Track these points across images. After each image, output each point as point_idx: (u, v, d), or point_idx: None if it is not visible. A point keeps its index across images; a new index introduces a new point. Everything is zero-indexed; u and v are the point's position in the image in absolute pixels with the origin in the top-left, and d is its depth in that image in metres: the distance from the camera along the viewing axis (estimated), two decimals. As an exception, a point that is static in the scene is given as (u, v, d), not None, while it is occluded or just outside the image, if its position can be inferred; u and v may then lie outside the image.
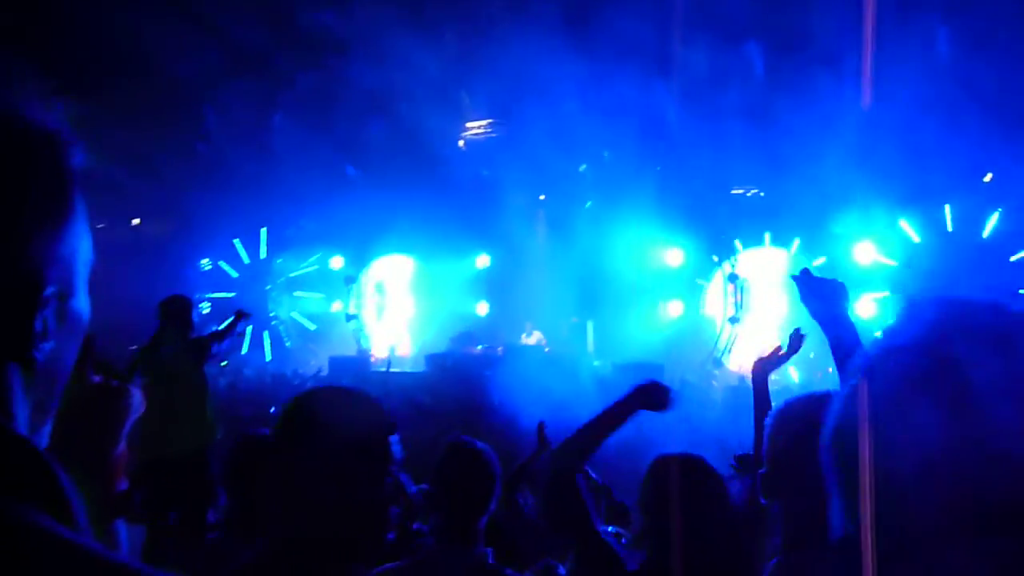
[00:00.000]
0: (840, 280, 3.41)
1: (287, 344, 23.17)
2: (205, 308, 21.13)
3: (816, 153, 15.63)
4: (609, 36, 16.84)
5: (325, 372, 18.47)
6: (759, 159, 17.41)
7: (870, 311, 18.28)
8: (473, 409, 13.20)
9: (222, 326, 9.04)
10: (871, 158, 15.60)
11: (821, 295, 3.26)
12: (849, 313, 3.24)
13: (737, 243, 20.51)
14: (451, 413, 13.83)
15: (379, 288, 24.02)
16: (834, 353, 3.14)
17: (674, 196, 19.19)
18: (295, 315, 23.78)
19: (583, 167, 20.64)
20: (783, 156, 16.47)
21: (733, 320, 19.82)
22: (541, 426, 6.53)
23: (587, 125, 17.48)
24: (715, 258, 20.60)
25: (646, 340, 19.64)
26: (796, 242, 19.86)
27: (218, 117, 20.95)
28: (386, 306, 24.24)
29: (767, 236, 20.36)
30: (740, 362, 20.19)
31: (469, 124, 22.09)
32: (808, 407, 2.60)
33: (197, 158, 20.92)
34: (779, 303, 20.50)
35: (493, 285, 22.28)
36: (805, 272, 3.38)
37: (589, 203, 20.92)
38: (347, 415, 2.14)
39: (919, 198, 17.84)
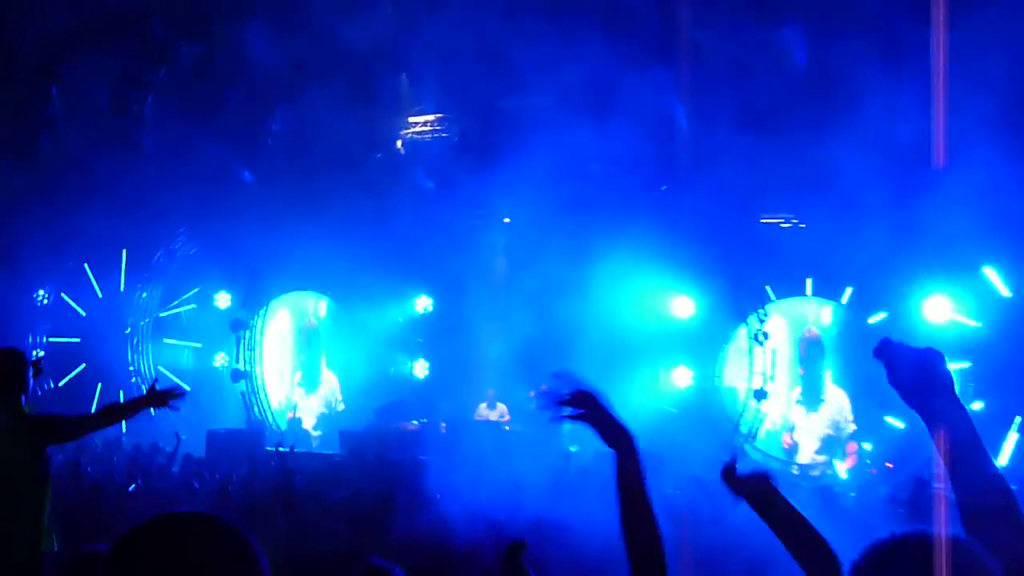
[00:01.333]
0: (935, 348, 3.15)
1: (151, 410, 22.58)
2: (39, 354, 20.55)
3: (875, 172, 15.65)
4: (603, 6, 16.88)
5: (197, 453, 18.06)
6: (800, 178, 17.43)
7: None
8: (402, 509, 12.87)
9: (123, 403, 8.52)
10: (949, 182, 15.64)
11: (918, 375, 3.06)
12: (958, 395, 3.01)
13: (768, 290, 20.52)
14: (371, 514, 13.47)
15: (307, 334, 23.74)
16: (946, 459, 2.92)
17: (685, 225, 19.15)
18: (163, 369, 23.32)
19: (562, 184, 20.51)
20: (832, 175, 16.49)
21: (760, 394, 19.67)
22: (514, 549, 6.02)
23: (570, 126, 17.41)
24: (739, 308, 20.53)
25: (642, 420, 19.32)
26: (848, 292, 19.91)
27: (68, 101, 20.61)
28: (291, 361, 23.95)
29: (808, 282, 20.38)
30: (806, 457, 20.03)
31: (411, 119, 21.96)
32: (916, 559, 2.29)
33: (38, 155, 20.55)
34: (821, 373, 20.49)
35: (436, 337, 22.06)
36: (888, 343, 3.20)
37: (569, 230, 20.77)
38: (200, 560, 2.14)
39: (1008, 240, 17.89)
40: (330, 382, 23.60)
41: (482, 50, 17.77)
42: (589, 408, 3.52)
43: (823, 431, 20.03)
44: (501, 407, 19.59)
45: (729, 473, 3.98)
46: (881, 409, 17.93)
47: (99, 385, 22.32)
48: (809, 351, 20.77)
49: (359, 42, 18.44)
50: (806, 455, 19.98)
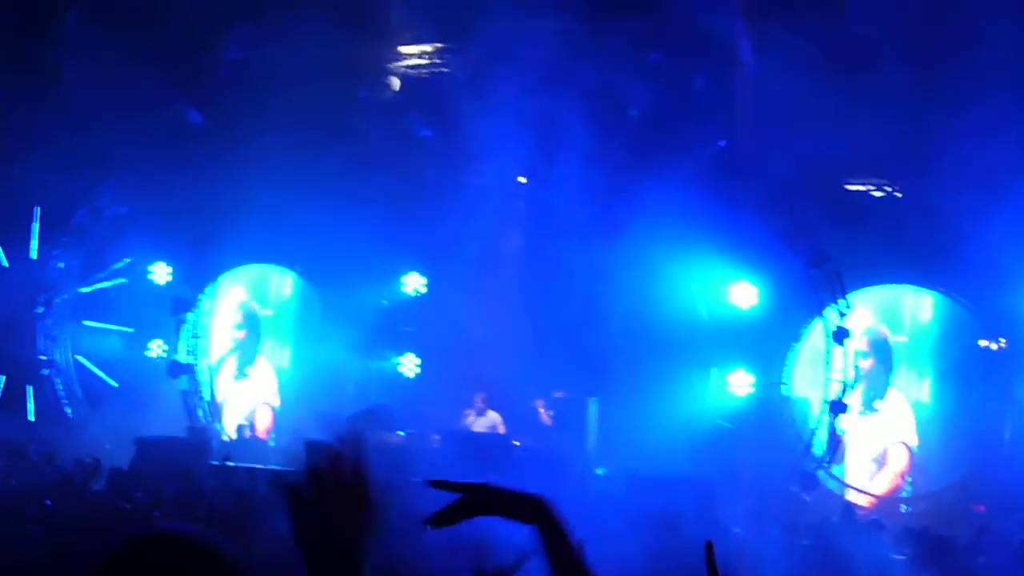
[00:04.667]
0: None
1: (67, 411, 22.46)
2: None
3: (999, 123, 15.41)
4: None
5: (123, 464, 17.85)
6: (898, 133, 17.21)
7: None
8: (386, 544, 12.57)
9: None
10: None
11: None
12: None
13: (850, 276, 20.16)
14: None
15: (249, 318, 23.57)
16: None
17: (747, 191, 18.98)
18: (83, 360, 23.24)
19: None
20: (939, 130, 16.29)
21: (837, 407, 19.42)
22: None
23: (604, 58, 17.29)
24: (813, 298, 20.21)
25: (687, 436, 19.18)
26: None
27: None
28: (248, 350, 23.77)
29: (902, 267, 20.08)
30: (852, 477, 20.00)
31: (403, 48, 21.73)
32: None
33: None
34: (915, 381, 20.26)
35: (429, 326, 21.85)
36: None
37: (599, 195, 20.52)
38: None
39: None
40: (294, 376, 23.39)
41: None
42: (484, 499, 3.38)
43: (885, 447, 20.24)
44: (493, 416, 19.34)
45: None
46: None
47: (1, 379, 22.07)
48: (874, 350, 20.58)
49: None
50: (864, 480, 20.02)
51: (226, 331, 23.85)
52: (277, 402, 23.45)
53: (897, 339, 20.45)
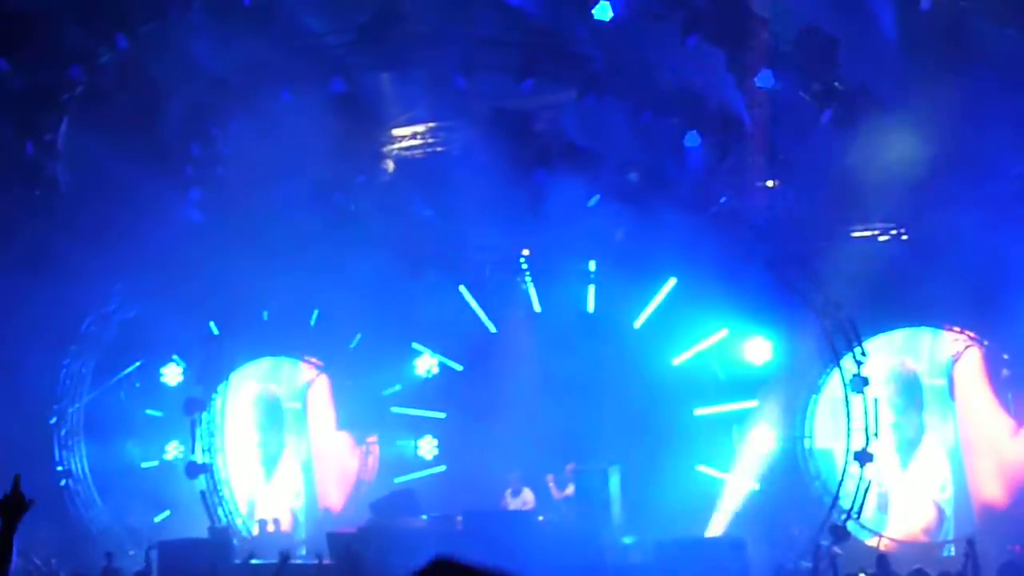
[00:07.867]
0: None
1: (86, 518, 22.12)
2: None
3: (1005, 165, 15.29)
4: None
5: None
6: (901, 175, 16.97)
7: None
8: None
9: None
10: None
11: None
12: None
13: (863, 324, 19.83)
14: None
15: (267, 411, 23.37)
16: None
17: (753, 247, 18.85)
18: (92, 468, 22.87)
19: (594, 199, 20.10)
20: (945, 168, 16.27)
21: (863, 457, 19.03)
22: None
23: (601, 124, 17.19)
24: (829, 348, 19.90)
25: (711, 499, 19.09)
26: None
27: None
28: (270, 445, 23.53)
29: (913, 310, 19.80)
30: (887, 528, 19.64)
31: (396, 131, 21.59)
32: None
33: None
34: (941, 426, 19.97)
35: (446, 407, 21.65)
36: None
37: (607, 260, 20.32)
38: None
39: None
40: (289, 471, 23.19)
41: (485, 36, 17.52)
42: None
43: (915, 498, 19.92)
44: (527, 493, 19.05)
45: None
46: None
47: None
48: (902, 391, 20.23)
49: (327, 35, 18.18)
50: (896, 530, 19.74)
51: (244, 427, 23.55)
52: (302, 498, 23.19)
53: (932, 381, 20.22)
